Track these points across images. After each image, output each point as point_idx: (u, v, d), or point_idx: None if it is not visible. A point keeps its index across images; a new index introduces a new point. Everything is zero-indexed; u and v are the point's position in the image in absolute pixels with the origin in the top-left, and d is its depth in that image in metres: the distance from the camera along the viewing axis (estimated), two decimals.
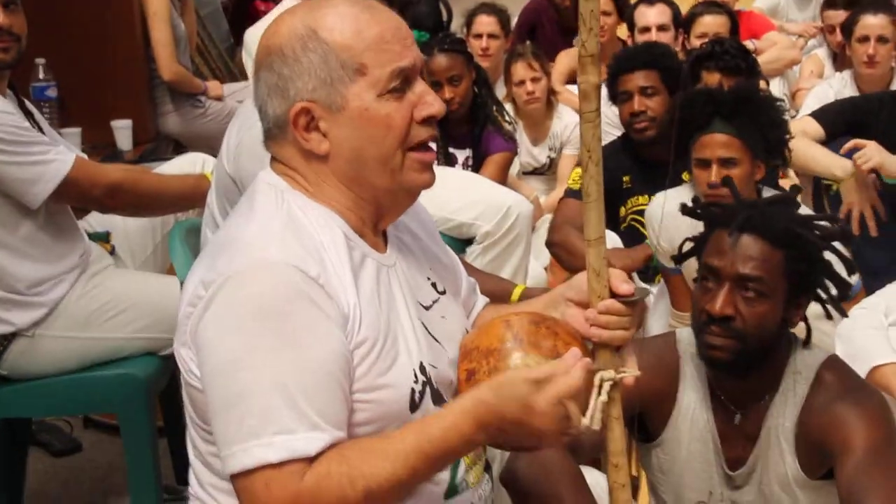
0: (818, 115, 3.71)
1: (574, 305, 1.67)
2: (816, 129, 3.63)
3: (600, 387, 1.57)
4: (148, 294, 2.79)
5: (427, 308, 1.68)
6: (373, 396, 1.53)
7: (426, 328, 1.65)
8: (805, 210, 2.41)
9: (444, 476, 1.62)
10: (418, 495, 1.56)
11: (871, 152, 3.40)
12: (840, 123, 3.64)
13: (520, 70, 4.51)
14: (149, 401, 2.77)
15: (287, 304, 1.46)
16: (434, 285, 1.73)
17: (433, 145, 1.65)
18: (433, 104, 1.59)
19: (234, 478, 1.47)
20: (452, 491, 1.64)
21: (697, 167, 3.01)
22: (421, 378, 1.59)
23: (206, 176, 2.92)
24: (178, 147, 4.54)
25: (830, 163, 3.54)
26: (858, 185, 3.42)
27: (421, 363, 1.60)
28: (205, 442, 1.58)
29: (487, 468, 1.76)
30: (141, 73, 4.47)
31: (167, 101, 4.58)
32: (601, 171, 1.59)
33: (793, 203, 2.24)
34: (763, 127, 2.98)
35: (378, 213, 1.63)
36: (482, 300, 1.91)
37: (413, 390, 1.57)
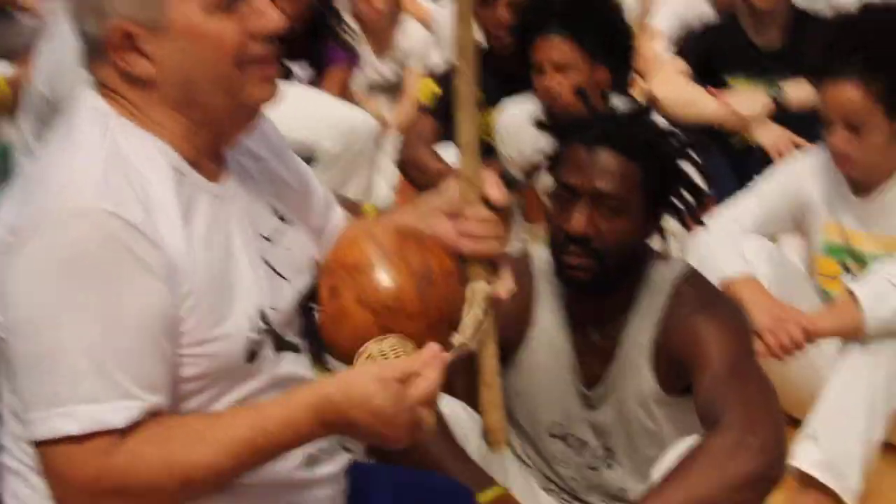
0: (676, 50, 3.74)
1: (443, 216, 1.59)
2: (680, 64, 3.64)
3: (473, 301, 1.52)
4: None
5: (269, 240, 1.58)
6: (205, 350, 1.43)
7: (268, 263, 1.55)
8: (658, 120, 2.40)
9: None
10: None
11: (731, 114, 3.45)
12: (696, 52, 3.66)
13: None
14: None
15: (101, 255, 1.35)
16: (278, 213, 1.62)
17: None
18: (271, 18, 1.46)
19: (36, 446, 1.38)
20: (311, 461, 1.57)
21: (536, 74, 3.02)
22: (259, 326, 1.49)
23: None
24: None
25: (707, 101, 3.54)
26: (767, 123, 3.45)
27: (261, 310, 1.50)
28: (11, 393, 1.47)
29: None
30: None
31: None
32: (472, 70, 1.54)
33: (648, 114, 2.23)
34: (601, 29, 2.99)
35: (217, 137, 1.52)
36: (340, 214, 1.80)
37: (249, 339, 1.48)
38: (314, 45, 3.99)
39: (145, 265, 1.36)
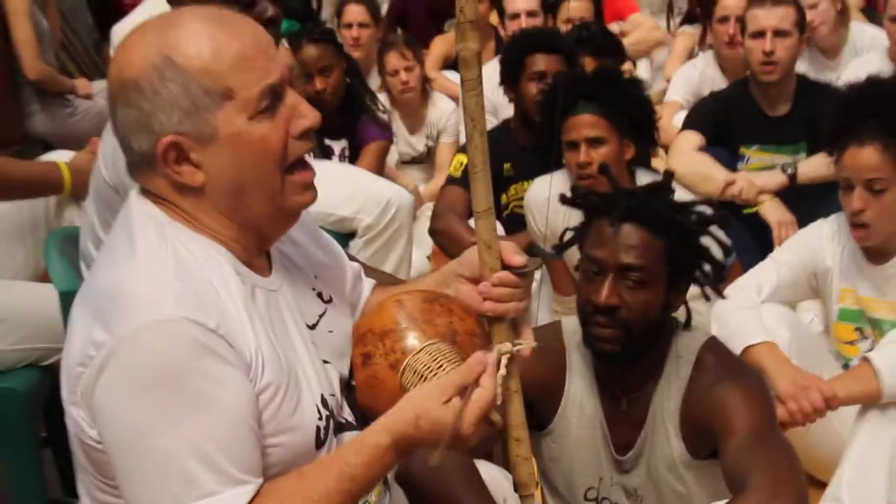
0: (690, 122, 3.77)
1: (466, 281, 1.62)
2: (695, 137, 3.67)
3: (498, 361, 1.52)
4: (23, 305, 2.67)
5: (313, 326, 1.60)
6: (280, 440, 1.46)
7: (316, 349, 1.58)
8: (680, 193, 2.43)
9: None
10: None
11: (747, 185, 3.51)
12: (710, 123, 3.70)
13: (393, 60, 4.49)
14: (30, 414, 2.66)
15: (189, 362, 1.36)
16: (320, 295, 1.65)
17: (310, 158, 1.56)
18: (308, 115, 1.48)
19: None
20: None
21: (567, 150, 3.05)
22: (324, 413, 1.52)
23: (59, 165, 2.81)
24: (49, 148, 4.37)
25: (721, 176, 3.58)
26: (776, 203, 3.50)
27: (322, 396, 1.53)
28: (100, 490, 1.49)
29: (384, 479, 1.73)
30: (3, 72, 4.29)
31: (34, 100, 4.40)
32: (486, 141, 1.54)
33: (669, 189, 2.26)
34: (626, 105, 3.04)
35: (261, 239, 1.54)
36: (369, 284, 1.84)
37: (318, 427, 1.51)
38: (350, 123, 4.07)
39: (230, 364, 1.38)
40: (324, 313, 1.63)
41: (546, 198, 3.11)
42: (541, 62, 3.55)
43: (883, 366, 2.45)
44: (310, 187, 1.51)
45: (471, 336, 1.56)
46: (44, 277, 2.86)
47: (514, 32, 4.09)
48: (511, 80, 3.62)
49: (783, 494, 1.85)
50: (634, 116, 3.06)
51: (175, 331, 1.36)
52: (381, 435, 1.44)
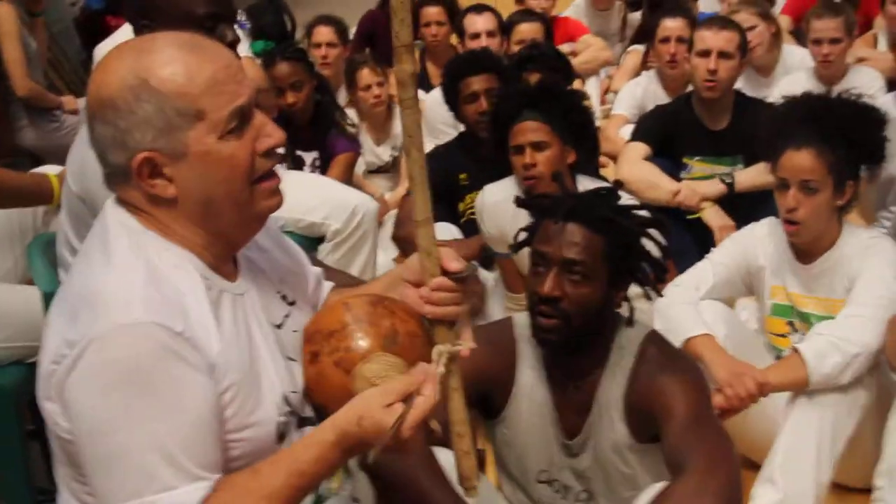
0: (638, 134, 3.77)
1: (409, 285, 1.61)
2: (643, 147, 3.69)
3: (438, 360, 1.52)
4: (10, 306, 2.63)
5: (279, 326, 1.59)
6: (242, 435, 1.45)
7: (280, 351, 1.57)
8: (627, 200, 2.43)
9: None
10: None
11: (690, 193, 3.54)
12: (657, 135, 3.71)
13: (366, 76, 4.47)
14: (17, 409, 2.62)
15: (154, 363, 1.35)
16: (284, 297, 1.64)
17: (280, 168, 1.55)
18: (273, 134, 1.48)
19: None
20: (318, 500, 1.60)
21: (514, 154, 3.06)
22: (285, 409, 1.51)
23: (49, 176, 2.77)
24: (37, 162, 4.33)
25: (666, 184, 3.60)
26: (717, 208, 3.54)
27: (283, 394, 1.52)
28: (75, 481, 1.48)
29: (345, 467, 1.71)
30: None
31: (23, 115, 4.40)
32: (423, 156, 1.53)
33: (614, 194, 2.25)
34: (566, 113, 3.05)
35: (230, 245, 1.53)
36: (328, 286, 1.84)
37: (279, 423, 1.50)
38: (320, 135, 4.04)
39: (193, 366, 1.38)
40: (288, 314, 1.62)
41: (496, 203, 3.12)
42: (474, 84, 3.59)
43: (810, 355, 2.46)
44: (276, 192, 1.51)
45: (412, 337, 1.54)
46: (31, 281, 2.82)
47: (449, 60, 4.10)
48: (451, 102, 3.67)
49: (717, 474, 1.85)
50: (574, 124, 3.07)
51: (142, 334, 1.35)
52: (327, 432, 1.43)
